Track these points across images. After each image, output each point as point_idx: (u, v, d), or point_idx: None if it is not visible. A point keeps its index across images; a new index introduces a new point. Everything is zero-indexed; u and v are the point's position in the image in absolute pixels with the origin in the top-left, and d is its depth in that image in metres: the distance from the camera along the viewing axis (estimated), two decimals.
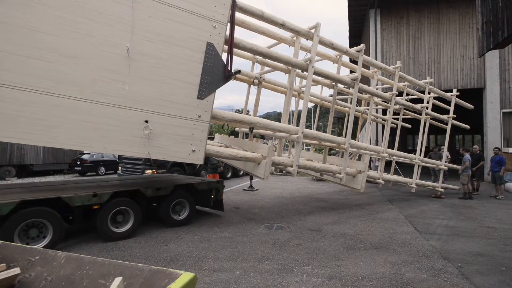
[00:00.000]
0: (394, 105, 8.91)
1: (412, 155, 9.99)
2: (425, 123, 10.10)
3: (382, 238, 5.67)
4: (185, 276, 1.49)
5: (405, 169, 13.81)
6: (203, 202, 7.20)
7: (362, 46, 7.60)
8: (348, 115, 8.45)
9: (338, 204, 9.20)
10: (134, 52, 4.57)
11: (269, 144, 7.18)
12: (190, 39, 4.94)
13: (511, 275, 4.07)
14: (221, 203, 7.31)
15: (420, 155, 9.94)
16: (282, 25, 6.01)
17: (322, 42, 6.64)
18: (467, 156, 10.30)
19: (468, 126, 11.96)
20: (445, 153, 11.00)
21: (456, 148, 28.91)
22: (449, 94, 10.92)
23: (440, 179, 10.60)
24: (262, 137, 9.37)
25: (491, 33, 4.38)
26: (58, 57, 4.12)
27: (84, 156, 17.54)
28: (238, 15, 5.56)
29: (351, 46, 21.44)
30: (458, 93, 10.83)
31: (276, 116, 73.08)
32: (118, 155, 16.57)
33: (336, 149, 8.81)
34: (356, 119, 10.65)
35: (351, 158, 10.58)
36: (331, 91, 8.74)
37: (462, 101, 11.31)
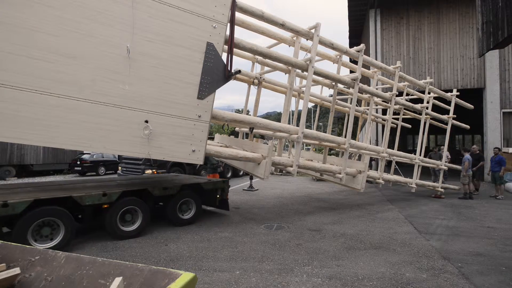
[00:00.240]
0: (394, 105, 8.91)
1: (412, 155, 9.99)
2: (425, 123, 10.10)
3: (382, 238, 5.67)
4: (185, 276, 1.49)
5: (405, 169, 13.81)
6: (209, 202, 7.26)
7: (362, 46, 7.60)
8: (348, 115, 8.45)
9: (338, 204, 9.20)
10: (134, 52, 4.57)
11: (269, 144, 7.18)
12: (190, 39, 4.94)
13: (511, 275, 4.07)
14: (227, 203, 7.37)
15: (420, 155, 9.94)
16: (282, 25, 6.01)
17: (322, 42, 6.64)
18: (466, 156, 10.30)
19: (468, 126, 11.96)
20: (445, 153, 11.00)
21: (456, 148, 28.92)
22: (449, 94, 10.92)
23: (440, 179, 10.60)
24: (262, 137, 9.37)
25: (491, 33, 4.38)
26: (58, 57, 4.12)
27: (84, 156, 17.54)
28: (238, 15, 5.56)
29: (351, 46, 21.43)
30: (458, 93, 10.83)
31: (276, 116, 73.08)
32: (118, 155, 16.58)
33: (336, 149, 8.80)
34: (356, 119, 10.65)
35: (351, 158, 10.58)
36: (331, 91, 8.74)
37: (462, 101, 11.31)
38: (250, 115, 8.46)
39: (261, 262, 4.42)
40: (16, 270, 1.78)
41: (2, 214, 4.20)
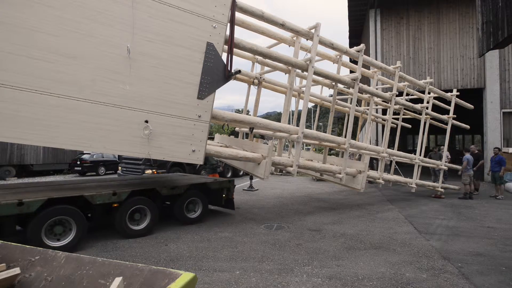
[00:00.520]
0: (394, 105, 8.91)
1: (412, 155, 9.99)
2: (425, 123, 10.10)
3: (382, 238, 5.67)
4: (185, 276, 1.49)
5: (405, 169, 13.81)
6: (215, 201, 7.32)
7: (362, 46, 7.60)
8: (348, 115, 8.45)
9: (338, 204, 9.20)
10: (134, 52, 4.57)
11: (269, 144, 7.19)
12: (190, 39, 4.94)
13: (511, 275, 4.07)
14: (232, 202, 7.43)
15: (420, 155, 9.94)
16: (282, 25, 6.01)
17: (322, 42, 6.64)
18: (466, 156, 10.30)
19: (468, 126, 11.96)
20: (445, 153, 11.00)
21: (456, 148, 28.92)
22: (449, 94, 10.92)
23: (440, 179, 10.60)
24: (262, 137, 9.37)
25: (491, 33, 4.38)
26: (58, 57, 4.12)
27: (84, 156, 17.53)
28: (238, 15, 5.56)
29: (351, 46, 21.43)
30: (458, 93, 10.83)
31: (276, 116, 73.06)
32: (118, 155, 16.58)
33: (336, 149, 8.80)
34: (356, 119, 10.65)
35: (352, 158, 10.58)
36: (331, 91, 8.74)
37: (462, 101, 11.31)
38: (250, 115, 8.46)
39: (261, 262, 4.43)
40: (16, 270, 1.78)
41: (18, 212, 4.29)
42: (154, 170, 11.56)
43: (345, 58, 8.66)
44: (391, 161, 11.09)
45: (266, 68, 8.33)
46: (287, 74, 7.46)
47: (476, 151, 11.22)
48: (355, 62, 7.88)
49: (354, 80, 7.37)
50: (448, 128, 10.90)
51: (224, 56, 5.28)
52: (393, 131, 10.17)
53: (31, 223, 4.43)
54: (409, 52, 16.01)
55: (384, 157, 8.81)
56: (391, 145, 10.85)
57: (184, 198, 6.37)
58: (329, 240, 5.55)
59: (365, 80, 15.74)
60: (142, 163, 11.71)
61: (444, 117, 10.79)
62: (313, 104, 10.94)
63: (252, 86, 8.23)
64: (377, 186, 12.41)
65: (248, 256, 4.68)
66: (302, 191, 11.69)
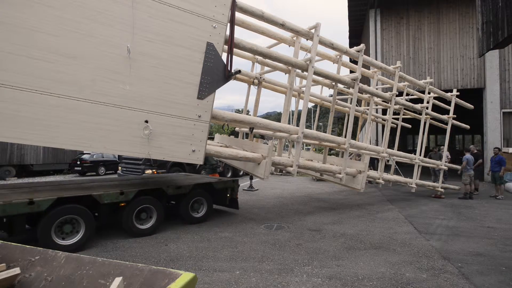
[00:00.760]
0: (394, 105, 8.91)
1: (412, 155, 9.99)
2: (425, 123, 10.10)
3: (382, 238, 5.67)
4: (185, 276, 1.49)
5: (405, 169, 13.81)
6: (219, 201, 7.36)
7: (362, 46, 7.60)
8: (348, 115, 8.45)
9: (338, 204, 9.20)
10: (134, 52, 4.57)
11: (269, 144, 7.19)
12: (190, 39, 4.94)
13: (511, 275, 4.07)
14: (236, 202, 7.47)
15: (420, 155, 9.94)
16: (282, 25, 6.01)
17: (322, 42, 6.64)
18: (465, 156, 10.30)
19: (468, 126, 11.96)
20: (445, 153, 11.00)
21: (456, 148, 28.92)
22: (449, 94, 10.92)
23: (440, 179, 10.60)
24: (262, 137, 9.37)
25: (491, 33, 4.38)
26: (58, 57, 4.12)
27: (84, 156, 17.53)
28: (238, 15, 5.56)
29: (351, 46, 21.43)
30: (458, 93, 10.83)
31: (276, 116, 73.05)
32: (118, 155, 16.57)
33: (336, 149, 8.80)
34: (356, 119, 10.65)
35: (352, 158, 10.58)
36: (331, 91, 8.74)
37: (462, 101, 11.31)
38: (250, 115, 8.46)
39: (261, 262, 4.42)
40: (16, 270, 1.78)
41: (28, 211, 4.35)
42: (154, 170, 11.56)
43: (345, 58, 8.66)
44: (396, 163, 11.10)
45: (266, 68, 8.33)
46: (287, 74, 7.46)
47: (476, 151, 11.22)
48: (355, 62, 7.88)
49: (354, 80, 7.37)
50: (448, 128, 10.90)
51: (224, 56, 5.28)
52: (393, 131, 10.17)
53: (41, 221, 4.51)
54: (409, 52, 16.01)
55: (384, 157, 8.81)
56: (391, 145, 10.83)
57: (189, 197, 6.44)
58: (329, 240, 5.55)
59: (365, 80, 15.74)
60: (142, 163, 11.70)
61: (444, 117, 10.79)
62: (313, 104, 10.94)
63: (252, 86, 8.23)
64: (377, 186, 12.41)
65: (248, 256, 4.68)
66: (302, 191, 11.69)
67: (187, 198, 6.40)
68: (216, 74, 5.18)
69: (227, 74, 5.26)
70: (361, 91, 7.76)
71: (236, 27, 5.50)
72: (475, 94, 15.32)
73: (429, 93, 10.22)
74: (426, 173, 12.22)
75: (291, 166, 6.47)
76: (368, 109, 9.23)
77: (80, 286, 1.68)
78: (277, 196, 10.48)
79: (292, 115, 14.74)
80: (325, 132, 8.80)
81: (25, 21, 3.91)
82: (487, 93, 14.82)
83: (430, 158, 11.61)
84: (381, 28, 16.32)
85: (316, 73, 6.59)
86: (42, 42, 4.01)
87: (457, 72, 15.39)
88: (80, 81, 4.27)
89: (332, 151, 14.78)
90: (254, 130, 6.94)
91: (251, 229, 6.16)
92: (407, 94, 10.21)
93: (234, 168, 11.81)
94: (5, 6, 3.80)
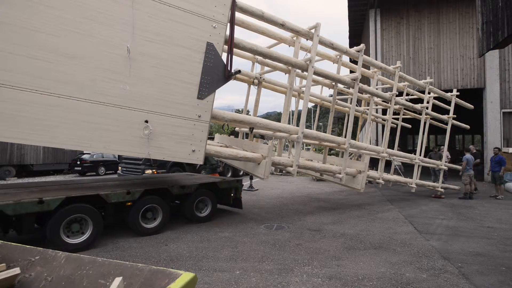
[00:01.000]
0: (394, 105, 8.91)
1: (412, 155, 9.99)
2: (425, 123, 10.10)
3: (382, 238, 5.67)
4: (185, 276, 1.49)
5: (405, 169, 13.81)
6: (223, 200, 7.41)
7: (362, 46, 7.60)
8: (348, 115, 8.45)
9: (338, 204, 9.20)
10: (134, 52, 4.57)
11: (269, 144, 7.18)
12: (190, 39, 4.94)
13: (511, 275, 4.07)
14: (240, 201, 7.53)
15: (420, 155, 9.94)
16: (282, 25, 6.01)
17: (322, 42, 6.64)
18: (465, 156, 10.30)
19: (468, 126, 11.96)
20: (445, 153, 11.00)
21: (456, 148, 28.92)
22: (449, 94, 10.92)
23: (440, 179, 10.60)
24: (262, 137, 9.37)
25: (491, 33, 4.39)
26: (58, 57, 4.12)
27: (84, 156, 17.53)
28: (238, 15, 5.56)
29: (351, 46, 21.43)
30: (458, 93, 10.83)
31: (276, 116, 73.04)
32: (118, 155, 16.57)
33: (336, 149, 8.80)
34: (356, 119, 10.65)
35: (352, 158, 10.58)
36: (331, 91, 8.74)
37: (462, 101, 11.31)
38: (250, 115, 8.46)
39: (261, 262, 4.42)
40: (16, 270, 1.78)
41: (38, 210, 4.41)
42: (154, 170, 11.56)
43: (345, 58, 8.66)
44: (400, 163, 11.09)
45: (266, 68, 8.33)
46: (287, 74, 7.45)
47: (475, 151, 11.21)
48: (355, 62, 7.88)
49: (354, 80, 7.37)
50: (448, 128, 10.90)
51: (224, 56, 5.28)
52: (393, 131, 10.17)
53: (50, 220, 4.55)
54: (409, 52, 16.00)
55: (384, 157, 8.81)
56: (391, 145, 10.83)
57: (194, 197, 6.50)
58: (329, 240, 5.55)
59: (365, 80, 15.75)
60: (142, 163, 11.70)
61: (444, 117, 10.79)
62: (313, 104, 10.94)
63: (252, 86, 8.23)
64: (377, 186, 12.41)
65: (248, 256, 4.68)
66: (302, 191, 11.69)
67: (192, 197, 6.45)
68: (216, 74, 5.18)
69: (227, 74, 5.26)
70: (361, 91, 7.76)
71: (236, 27, 5.50)
72: (475, 94, 15.32)
73: (429, 93, 10.22)
74: (426, 173, 12.22)
75: (291, 166, 6.47)
76: (368, 109, 9.23)
77: (80, 286, 1.68)
78: (277, 196, 10.47)
79: (292, 115, 14.72)
80: (325, 132, 8.79)
81: (25, 21, 3.90)
82: (487, 93, 14.82)
83: (430, 158, 11.61)
84: (381, 28, 16.32)
85: (316, 73, 6.59)
86: (42, 42, 4.01)
87: (457, 72, 15.39)
88: (80, 81, 4.27)
89: (332, 151, 14.78)
90: (254, 130, 6.94)
91: (251, 229, 6.16)
92: (407, 94, 10.21)
93: (234, 168, 11.80)
94: (5, 6, 3.80)
